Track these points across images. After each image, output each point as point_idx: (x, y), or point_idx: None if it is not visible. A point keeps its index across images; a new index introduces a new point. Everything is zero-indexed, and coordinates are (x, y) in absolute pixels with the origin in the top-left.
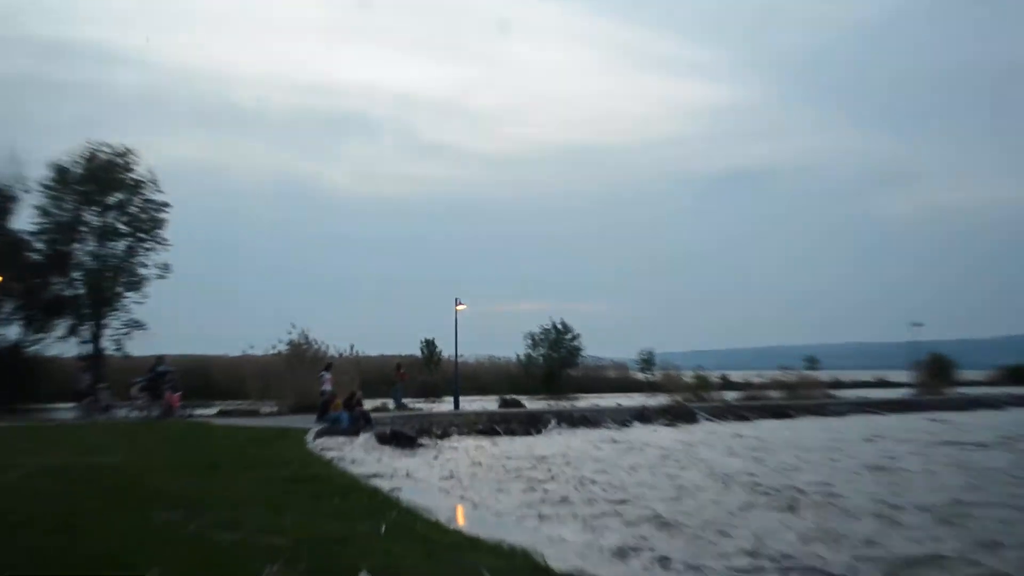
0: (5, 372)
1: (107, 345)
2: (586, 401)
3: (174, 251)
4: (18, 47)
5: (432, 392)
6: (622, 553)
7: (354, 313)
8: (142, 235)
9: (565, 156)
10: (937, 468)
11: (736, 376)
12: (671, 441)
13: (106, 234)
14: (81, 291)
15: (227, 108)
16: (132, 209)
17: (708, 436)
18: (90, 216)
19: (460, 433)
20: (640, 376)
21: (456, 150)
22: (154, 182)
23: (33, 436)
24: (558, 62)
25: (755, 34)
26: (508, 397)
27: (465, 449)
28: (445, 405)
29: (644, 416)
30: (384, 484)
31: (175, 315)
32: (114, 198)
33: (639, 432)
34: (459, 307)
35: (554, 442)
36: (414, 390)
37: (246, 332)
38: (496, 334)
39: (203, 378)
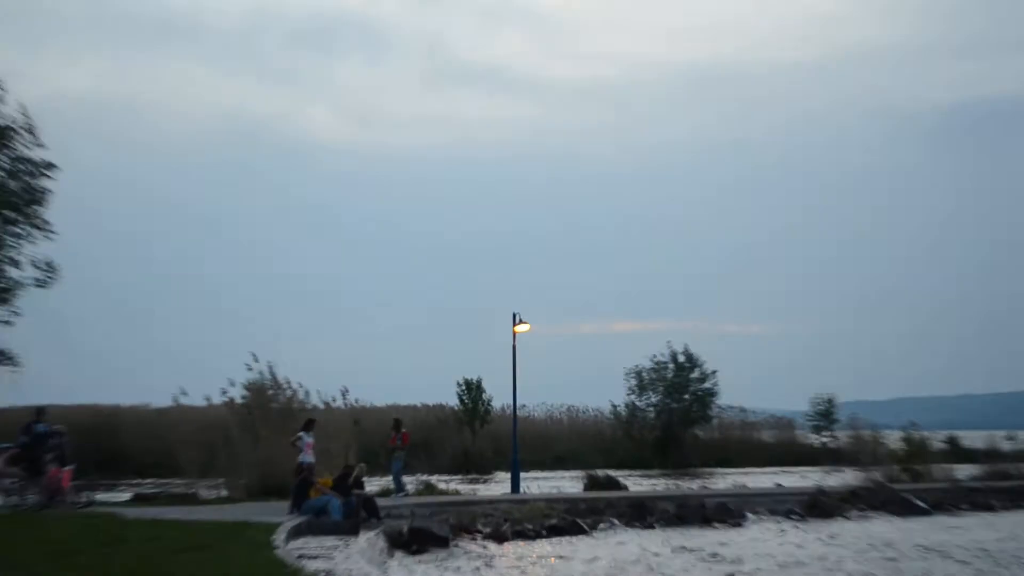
0: None
1: None
2: (725, 479)
3: (62, 242)
4: None
5: (476, 465)
6: None
7: (347, 341)
8: (10, 215)
9: (681, 83)
10: None
11: (970, 438)
12: (879, 548)
13: None
14: None
15: (145, 14)
16: None
17: (939, 538)
18: None
19: (522, 532)
20: (813, 439)
21: (510, 75)
22: (30, 130)
23: None
24: None
25: None
26: (599, 473)
27: (531, 561)
28: (498, 486)
29: (820, 505)
30: None
31: (65, 344)
32: None
33: (816, 531)
34: (520, 328)
35: (679, 551)
36: (448, 461)
37: (178, 371)
38: (579, 371)
39: (110, 443)
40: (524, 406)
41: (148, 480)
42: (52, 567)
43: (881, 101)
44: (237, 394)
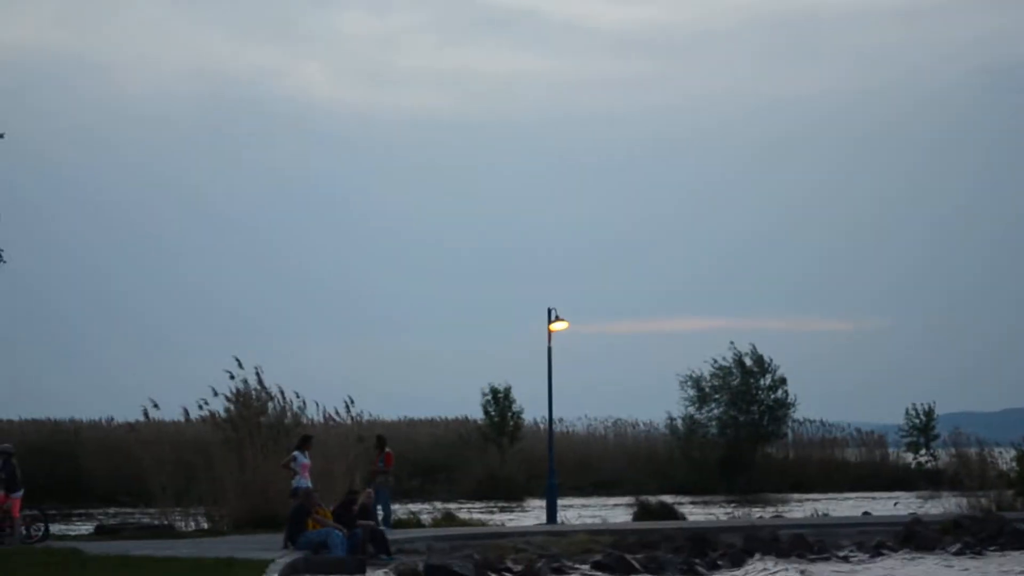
0: None
1: None
2: (802, 507)
3: (3, 225)
4: None
5: (504, 490)
6: None
7: (352, 343)
8: None
9: (762, 33)
10: None
11: None
12: None
13: None
14: None
15: None
16: None
17: None
18: None
19: (560, 570)
20: (908, 458)
21: (550, 21)
22: None
23: None
24: None
25: None
26: (651, 500)
27: None
28: (530, 515)
29: (917, 537)
30: None
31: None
32: None
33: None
34: (556, 326)
35: None
36: (471, 486)
37: (149, 378)
38: (626, 378)
39: (67, 465)
40: (561, 420)
41: (113, 509)
42: None
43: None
44: (220, 407)
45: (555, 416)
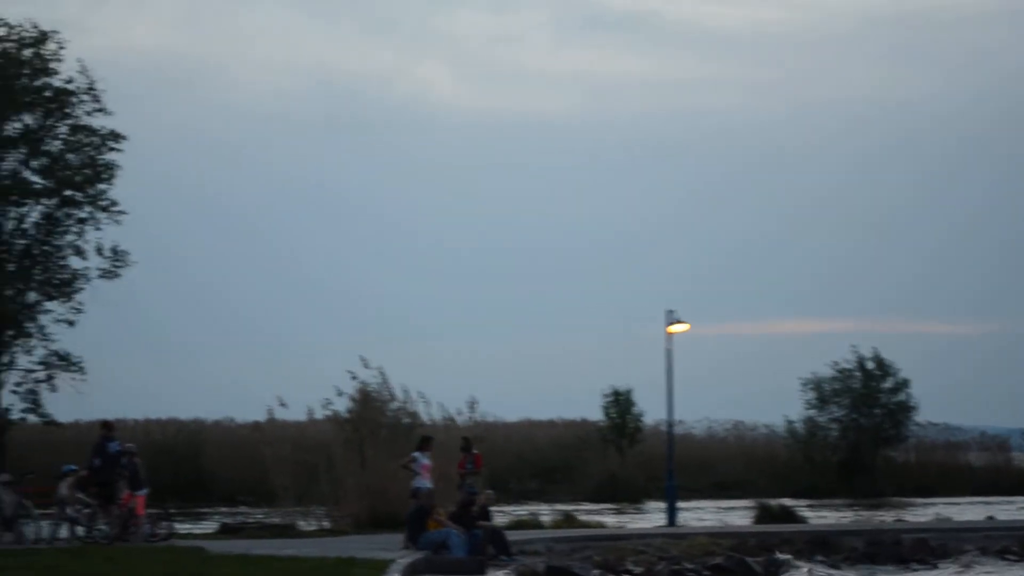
0: None
1: (9, 404)
2: (925, 510)
3: (132, 225)
4: None
5: (624, 492)
6: None
7: (470, 341)
8: (73, 195)
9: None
10: None
11: None
12: None
13: (5, 192)
14: None
15: None
16: (54, 145)
17: None
18: None
19: (680, 573)
20: None
21: (667, 23)
22: (95, 93)
23: None
24: None
25: None
26: (772, 503)
27: None
28: (650, 517)
29: None
30: None
31: (136, 345)
32: (18, 125)
33: None
34: (675, 328)
35: None
36: (591, 487)
37: (275, 377)
38: (746, 381)
39: (191, 464)
40: (681, 422)
41: (236, 508)
42: None
43: None
44: (343, 407)
45: (675, 418)
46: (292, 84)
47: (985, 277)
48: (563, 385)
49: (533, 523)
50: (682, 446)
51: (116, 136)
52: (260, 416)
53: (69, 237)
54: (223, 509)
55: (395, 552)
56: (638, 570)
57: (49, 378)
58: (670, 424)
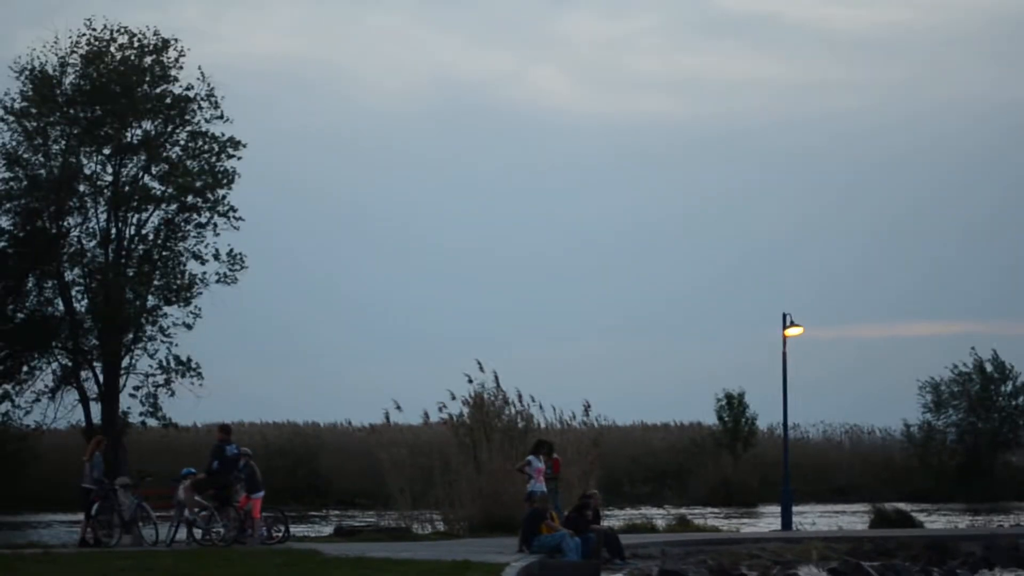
0: None
1: (128, 408)
2: None
3: (250, 230)
4: None
5: (738, 496)
6: None
7: (585, 346)
8: (193, 201)
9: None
10: None
11: None
12: None
13: (125, 199)
14: (81, 307)
15: None
16: (174, 152)
17: None
18: (95, 166)
19: None
20: None
21: (784, 25)
22: (214, 99)
23: None
24: None
25: None
26: (888, 507)
27: None
28: (764, 522)
29: None
30: None
31: (251, 350)
32: (139, 131)
33: None
34: (791, 331)
35: None
36: (704, 491)
37: (386, 381)
38: (861, 384)
39: (307, 468)
40: (796, 426)
41: (349, 510)
42: None
43: None
44: (457, 410)
45: (790, 422)
46: (410, 86)
47: None
48: (677, 389)
49: (647, 526)
50: (797, 450)
51: (235, 143)
52: (376, 419)
53: (188, 242)
54: (334, 512)
55: (510, 555)
56: (752, 574)
57: (167, 382)
58: (785, 428)
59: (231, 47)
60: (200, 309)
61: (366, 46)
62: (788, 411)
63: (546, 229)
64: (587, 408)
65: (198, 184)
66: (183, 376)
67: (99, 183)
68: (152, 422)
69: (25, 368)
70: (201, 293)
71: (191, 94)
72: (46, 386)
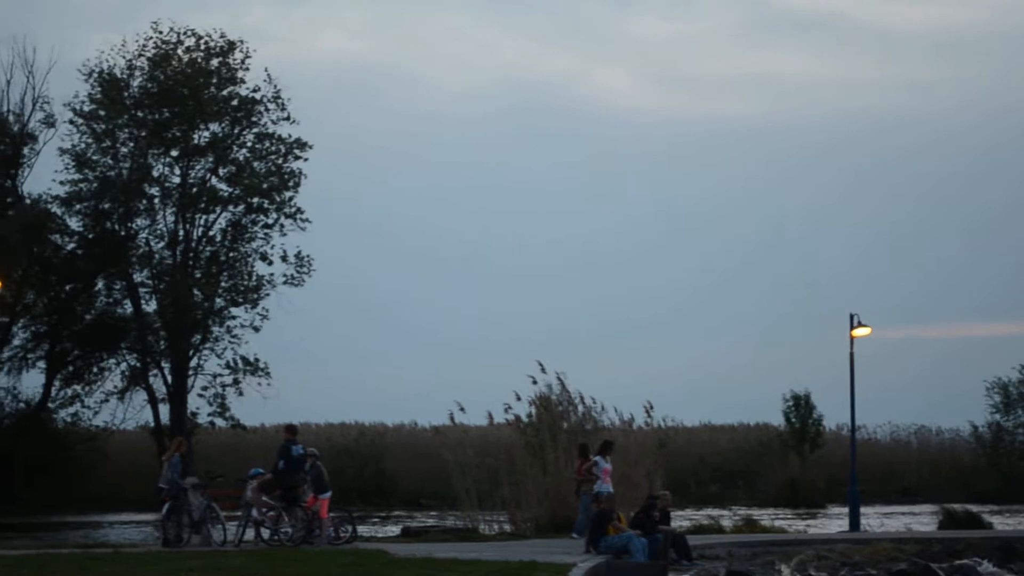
0: (20, 457)
1: (197, 408)
2: None
3: (317, 232)
4: None
5: (805, 497)
6: None
7: (651, 347)
8: (259, 202)
9: None
10: None
11: None
12: None
13: (193, 200)
14: (149, 308)
15: None
16: (241, 154)
17: None
18: (162, 168)
19: None
20: None
21: (853, 23)
22: (281, 102)
23: None
24: None
25: None
26: (957, 508)
27: None
28: (832, 522)
29: None
30: None
31: (321, 352)
32: (207, 134)
33: None
34: (858, 332)
35: None
36: (771, 492)
37: (455, 382)
38: (930, 385)
39: (373, 468)
40: (863, 427)
41: (415, 511)
42: None
43: None
44: (523, 411)
45: (857, 423)
46: (477, 87)
47: None
48: (744, 389)
49: (714, 527)
50: (864, 451)
51: (301, 144)
52: (441, 420)
53: (255, 244)
54: (398, 513)
55: (576, 556)
56: (820, 575)
57: (235, 382)
58: (853, 428)
59: (295, 49)
60: (267, 311)
61: (432, 45)
62: (856, 412)
63: (617, 227)
64: (649, 409)
65: (265, 186)
66: (251, 376)
67: (167, 185)
68: (220, 422)
69: (94, 369)
70: (268, 295)
71: (257, 96)
72: (115, 387)
